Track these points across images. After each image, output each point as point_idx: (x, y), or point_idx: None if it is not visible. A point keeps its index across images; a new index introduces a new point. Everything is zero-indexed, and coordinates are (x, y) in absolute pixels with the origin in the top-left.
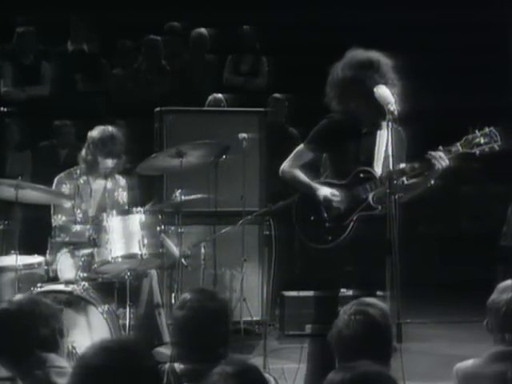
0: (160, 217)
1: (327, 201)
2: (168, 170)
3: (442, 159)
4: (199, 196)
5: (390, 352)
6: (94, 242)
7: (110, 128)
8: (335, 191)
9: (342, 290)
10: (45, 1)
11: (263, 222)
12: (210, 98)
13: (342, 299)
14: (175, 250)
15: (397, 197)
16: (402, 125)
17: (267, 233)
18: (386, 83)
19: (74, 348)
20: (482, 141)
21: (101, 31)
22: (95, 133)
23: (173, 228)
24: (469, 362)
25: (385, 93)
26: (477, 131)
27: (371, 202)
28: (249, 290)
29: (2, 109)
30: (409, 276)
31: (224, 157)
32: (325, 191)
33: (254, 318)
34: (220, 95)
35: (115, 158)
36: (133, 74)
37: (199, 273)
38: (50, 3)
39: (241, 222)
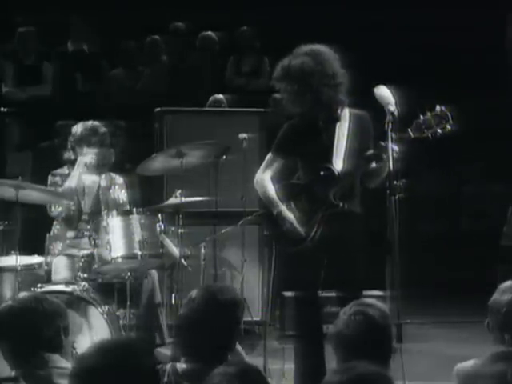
0: (160, 217)
1: (281, 220)
2: (168, 171)
3: (393, 151)
4: (200, 199)
5: (389, 352)
6: (94, 243)
7: (90, 122)
8: (291, 217)
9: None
10: (45, 1)
11: (263, 223)
12: (211, 98)
13: (326, 300)
14: (175, 251)
15: (397, 197)
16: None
17: (267, 233)
18: (321, 72)
19: (74, 349)
20: (433, 122)
21: (101, 31)
22: (75, 128)
23: (173, 228)
24: (469, 362)
25: (385, 93)
26: (428, 113)
27: (332, 199)
28: (249, 291)
29: (2, 109)
30: (409, 276)
31: (224, 157)
32: (280, 210)
33: (254, 319)
34: (221, 96)
35: (96, 147)
36: (133, 73)
37: (199, 273)
38: (51, 3)
39: (241, 222)
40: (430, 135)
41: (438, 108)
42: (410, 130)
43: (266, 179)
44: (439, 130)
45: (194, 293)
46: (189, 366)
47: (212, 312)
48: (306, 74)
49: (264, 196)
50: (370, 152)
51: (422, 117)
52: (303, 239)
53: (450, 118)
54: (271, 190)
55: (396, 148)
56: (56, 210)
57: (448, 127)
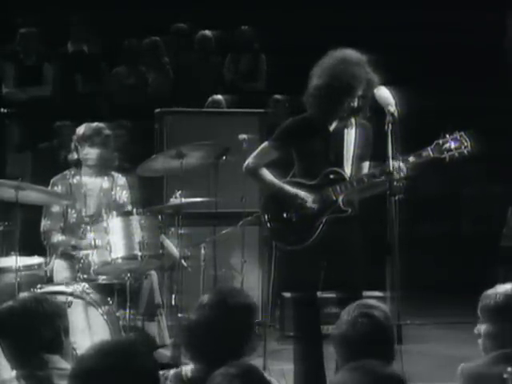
0: (160, 218)
1: (300, 201)
2: (168, 171)
3: (400, 170)
4: (200, 200)
5: (392, 353)
6: (94, 243)
7: (95, 123)
8: (300, 191)
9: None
10: (46, 1)
11: (263, 222)
12: (210, 99)
13: (325, 301)
14: (175, 251)
15: (397, 198)
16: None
17: (267, 232)
18: (368, 83)
19: (74, 349)
20: (453, 146)
21: (101, 32)
22: (79, 129)
23: (173, 229)
24: (473, 363)
25: (385, 94)
26: (447, 136)
27: (341, 204)
28: (249, 291)
29: (2, 110)
30: (408, 277)
31: (224, 158)
32: (298, 191)
33: None
34: (219, 96)
35: (99, 148)
36: (136, 71)
37: (199, 274)
38: (51, 3)
39: (241, 222)
40: (447, 157)
41: (457, 133)
42: (429, 149)
43: (262, 168)
44: (456, 154)
45: (205, 298)
46: (195, 374)
47: (222, 317)
48: (356, 82)
49: (261, 180)
50: (374, 172)
51: (442, 139)
52: (303, 239)
53: (469, 143)
54: (269, 175)
55: (404, 169)
56: (44, 224)
57: (465, 152)
